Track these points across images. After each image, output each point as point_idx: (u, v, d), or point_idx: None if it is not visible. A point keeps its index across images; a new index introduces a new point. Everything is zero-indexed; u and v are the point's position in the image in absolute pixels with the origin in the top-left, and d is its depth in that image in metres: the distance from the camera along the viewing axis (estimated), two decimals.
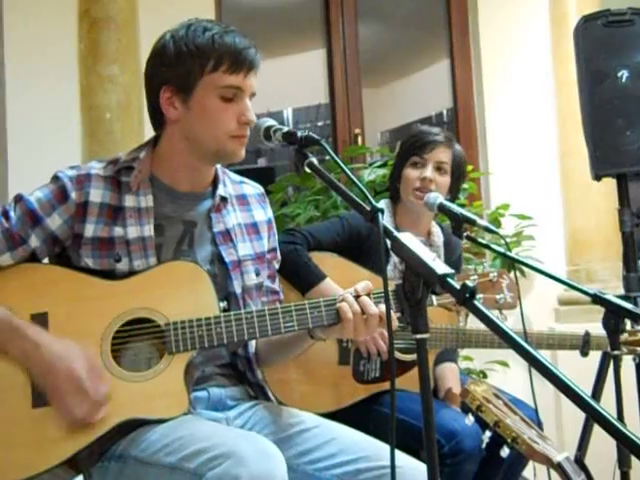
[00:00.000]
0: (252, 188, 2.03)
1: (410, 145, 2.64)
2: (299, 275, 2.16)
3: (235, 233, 1.91)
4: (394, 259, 2.55)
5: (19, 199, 1.79)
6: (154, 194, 1.83)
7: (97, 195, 1.79)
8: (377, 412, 2.45)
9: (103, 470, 1.72)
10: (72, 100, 3.46)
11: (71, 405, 1.63)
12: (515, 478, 2.56)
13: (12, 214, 1.77)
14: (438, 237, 2.69)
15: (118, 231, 1.78)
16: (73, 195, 1.77)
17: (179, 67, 1.76)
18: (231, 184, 1.98)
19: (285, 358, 2.00)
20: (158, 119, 1.86)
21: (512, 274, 2.07)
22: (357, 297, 1.74)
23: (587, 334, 2.49)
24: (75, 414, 1.63)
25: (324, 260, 2.49)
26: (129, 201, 1.81)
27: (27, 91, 3.47)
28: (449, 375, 2.63)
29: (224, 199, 1.92)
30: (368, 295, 1.74)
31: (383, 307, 1.71)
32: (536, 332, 2.50)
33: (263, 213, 2.01)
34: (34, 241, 1.76)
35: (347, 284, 2.43)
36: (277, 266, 2.05)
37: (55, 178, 1.80)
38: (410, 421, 2.24)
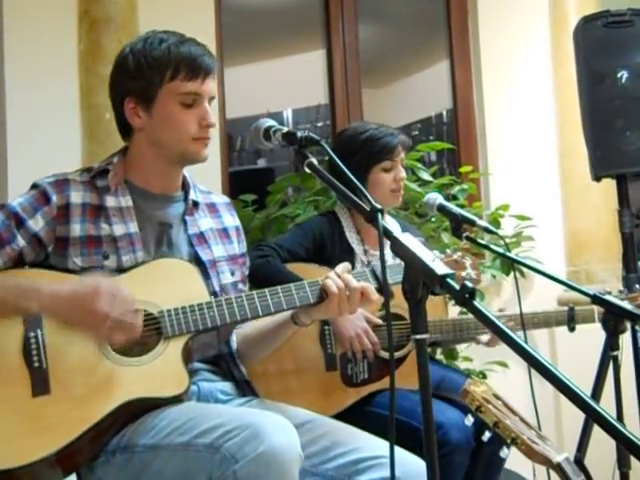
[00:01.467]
0: (220, 198, 2.13)
1: (378, 151, 2.62)
2: (274, 283, 2.17)
3: (208, 236, 1.99)
4: (361, 257, 2.60)
5: (2, 206, 1.83)
6: (131, 195, 1.91)
7: (77, 197, 1.84)
8: (369, 413, 2.46)
9: (107, 464, 1.72)
10: (72, 100, 3.46)
11: (109, 339, 1.67)
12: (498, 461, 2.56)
13: None
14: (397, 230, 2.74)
15: (105, 228, 1.84)
16: (54, 198, 1.82)
17: (139, 79, 1.86)
18: (200, 193, 2.06)
19: (267, 350, 2.04)
20: (125, 128, 1.95)
21: (512, 275, 2.10)
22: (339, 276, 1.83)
23: (571, 309, 2.49)
24: (113, 316, 1.65)
25: (303, 270, 2.51)
26: (110, 201, 1.87)
27: (27, 91, 3.47)
28: None
29: (196, 203, 2.00)
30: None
31: (364, 283, 1.83)
32: (519, 314, 2.45)
33: (232, 220, 2.10)
34: (20, 241, 1.79)
35: None
36: (247, 272, 2.12)
37: (34, 185, 1.86)
38: (402, 418, 2.25)
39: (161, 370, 1.73)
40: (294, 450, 1.56)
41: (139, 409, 1.72)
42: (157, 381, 1.72)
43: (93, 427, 1.67)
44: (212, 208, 2.07)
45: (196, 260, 1.93)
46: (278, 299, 1.82)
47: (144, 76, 1.85)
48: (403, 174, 2.65)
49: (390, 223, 2.75)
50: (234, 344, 2.00)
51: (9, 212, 1.81)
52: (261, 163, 5.11)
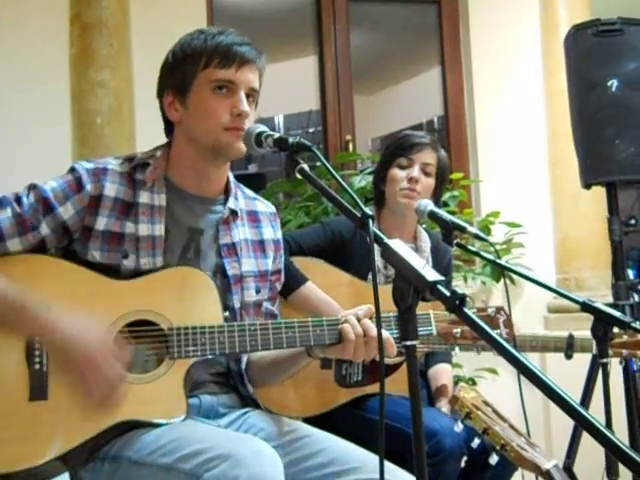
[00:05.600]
0: (265, 206, 2.05)
1: (397, 147, 2.65)
2: None
3: (240, 248, 1.92)
4: (378, 263, 2.56)
5: (33, 187, 1.78)
6: (167, 194, 1.85)
7: (112, 189, 1.80)
8: (361, 418, 2.45)
9: (95, 471, 1.71)
10: (63, 105, 3.45)
11: (90, 387, 1.59)
12: None
13: (25, 200, 1.76)
14: (425, 242, 2.70)
15: (129, 227, 1.79)
16: (88, 187, 1.78)
17: (176, 71, 1.83)
18: (244, 199, 1.99)
19: (278, 378, 1.99)
20: (167, 125, 1.92)
21: (502, 282, 2.09)
22: (359, 320, 1.75)
23: (571, 336, 2.49)
24: (93, 395, 1.59)
25: (306, 265, 2.50)
26: (143, 197, 1.82)
27: (18, 95, 3.46)
28: (442, 375, 2.67)
29: (234, 212, 1.93)
30: (370, 319, 1.76)
31: (385, 332, 1.73)
32: (519, 335, 2.49)
33: (272, 232, 2.02)
34: (44, 229, 1.75)
35: (329, 288, 2.45)
36: (279, 288, 2.05)
37: (72, 169, 1.82)
38: (393, 425, 2.25)
39: (161, 394, 1.70)
40: (274, 478, 1.53)
41: (132, 427, 1.70)
42: (156, 405, 1.70)
43: (85, 443, 1.66)
44: (253, 217, 1.99)
45: (221, 273, 1.88)
46: (292, 334, 1.74)
47: (180, 68, 1.82)
48: (416, 174, 2.58)
49: (423, 239, 2.70)
50: (243, 365, 1.94)
51: (40, 195, 1.76)
52: (252, 168, 5.10)
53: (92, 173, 1.79)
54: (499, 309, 2.10)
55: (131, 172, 1.84)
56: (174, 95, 1.84)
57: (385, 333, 1.74)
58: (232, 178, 1.97)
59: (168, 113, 1.87)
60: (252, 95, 1.84)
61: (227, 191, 1.94)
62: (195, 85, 1.81)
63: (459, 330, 2.07)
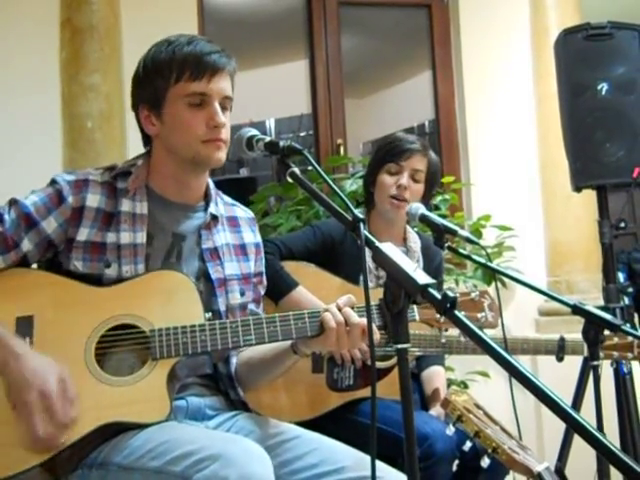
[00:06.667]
0: (243, 212, 2.07)
1: (387, 151, 2.65)
2: (270, 283, 2.17)
3: (223, 252, 1.93)
4: (369, 264, 2.56)
5: (14, 202, 1.78)
6: (148, 202, 1.86)
7: (94, 200, 1.80)
8: (352, 421, 2.45)
9: (83, 478, 1.70)
10: (54, 109, 3.45)
11: (36, 422, 1.59)
12: None
13: (6, 217, 1.76)
14: (415, 243, 2.70)
15: (111, 237, 1.80)
16: (70, 199, 1.78)
17: (148, 86, 1.83)
18: (223, 205, 2.01)
19: (268, 377, 1.98)
20: (145, 138, 1.92)
21: (493, 285, 2.09)
22: (339, 309, 1.76)
23: (562, 339, 2.49)
24: (37, 432, 1.59)
25: (297, 269, 2.51)
26: (125, 206, 1.83)
27: (8, 99, 3.45)
28: (435, 377, 2.67)
29: (215, 217, 1.94)
30: (352, 308, 1.76)
31: (363, 320, 1.73)
32: (511, 338, 2.50)
33: (252, 236, 2.04)
34: (26, 245, 1.76)
35: (320, 292, 2.45)
36: (262, 291, 2.06)
37: (53, 182, 1.82)
38: (385, 429, 2.24)
39: (144, 394, 1.70)
40: (265, 477, 1.53)
41: (118, 430, 1.69)
42: (139, 406, 1.69)
43: (70, 446, 1.64)
44: (233, 222, 2.00)
45: (205, 277, 1.88)
46: (274, 328, 1.75)
47: (151, 82, 1.81)
48: (404, 181, 2.57)
49: (413, 240, 2.71)
50: (233, 367, 1.94)
51: (21, 211, 1.76)
52: (243, 172, 5.11)
53: (73, 185, 1.80)
54: (483, 293, 2.11)
55: (112, 181, 1.85)
56: (149, 110, 1.84)
57: (365, 319, 1.71)
58: (212, 184, 1.98)
59: (145, 127, 1.87)
60: (226, 102, 1.83)
61: (207, 197, 1.95)
62: (168, 99, 1.80)
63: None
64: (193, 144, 1.80)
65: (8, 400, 1.64)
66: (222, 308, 1.88)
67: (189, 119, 1.79)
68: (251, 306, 1.99)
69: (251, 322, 1.76)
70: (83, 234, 1.78)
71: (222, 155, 1.82)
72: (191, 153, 1.81)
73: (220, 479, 1.48)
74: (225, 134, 1.81)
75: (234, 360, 1.95)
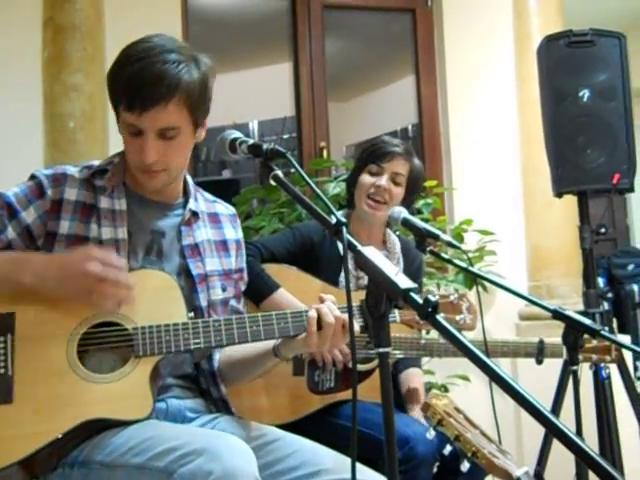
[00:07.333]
0: (225, 208, 2.07)
1: (370, 153, 2.66)
2: (252, 286, 2.17)
3: (204, 248, 1.93)
4: (351, 270, 2.56)
5: None
6: (127, 199, 1.86)
7: (72, 193, 1.82)
8: (333, 424, 2.45)
9: (65, 477, 1.69)
10: (35, 108, 3.42)
11: (109, 275, 1.65)
12: None
13: None
14: (394, 244, 2.71)
15: (93, 230, 1.81)
16: (49, 192, 1.80)
17: (110, 97, 1.83)
18: (204, 201, 2.01)
19: (248, 377, 1.99)
20: None
21: (474, 289, 2.11)
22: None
23: (541, 342, 2.51)
24: (121, 280, 1.66)
25: (279, 271, 2.51)
26: (104, 202, 1.84)
27: None
28: (413, 378, 2.68)
29: (195, 214, 1.94)
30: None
31: (346, 316, 1.75)
32: (490, 340, 2.50)
33: (234, 232, 2.04)
34: (10, 233, 1.78)
35: (301, 294, 2.45)
36: (243, 287, 2.07)
37: (32, 176, 1.85)
38: (366, 431, 2.25)
39: (127, 391, 1.70)
40: (250, 474, 1.53)
41: (100, 427, 1.69)
42: (121, 403, 1.69)
43: (51, 443, 1.64)
44: (214, 218, 2.01)
45: (186, 273, 1.89)
46: (257, 328, 1.77)
47: (110, 96, 1.82)
48: (383, 182, 2.58)
49: (392, 241, 2.71)
50: (216, 363, 1.95)
51: (3, 202, 1.79)
52: (226, 174, 5.10)
53: (52, 179, 1.82)
54: (462, 296, 2.15)
55: (90, 178, 1.86)
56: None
57: (346, 315, 1.74)
58: (190, 180, 1.98)
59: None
60: (167, 132, 1.76)
61: (186, 194, 1.96)
62: (119, 118, 1.81)
63: None
64: (133, 168, 1.83)
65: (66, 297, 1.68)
66: (203, 304, 1.89)
67: (127, 145, 1.82)
68: (232, 302, 1.99)
69: (234, 322, 1.77)
70: (64, 227, 1.79)
71: (157, 183, 1.83)
72: (136, 173, 1.84)
73: (204, 473, 1.48)
74: (161, 165, 1.79)
75: (217, 356, 1.96)
